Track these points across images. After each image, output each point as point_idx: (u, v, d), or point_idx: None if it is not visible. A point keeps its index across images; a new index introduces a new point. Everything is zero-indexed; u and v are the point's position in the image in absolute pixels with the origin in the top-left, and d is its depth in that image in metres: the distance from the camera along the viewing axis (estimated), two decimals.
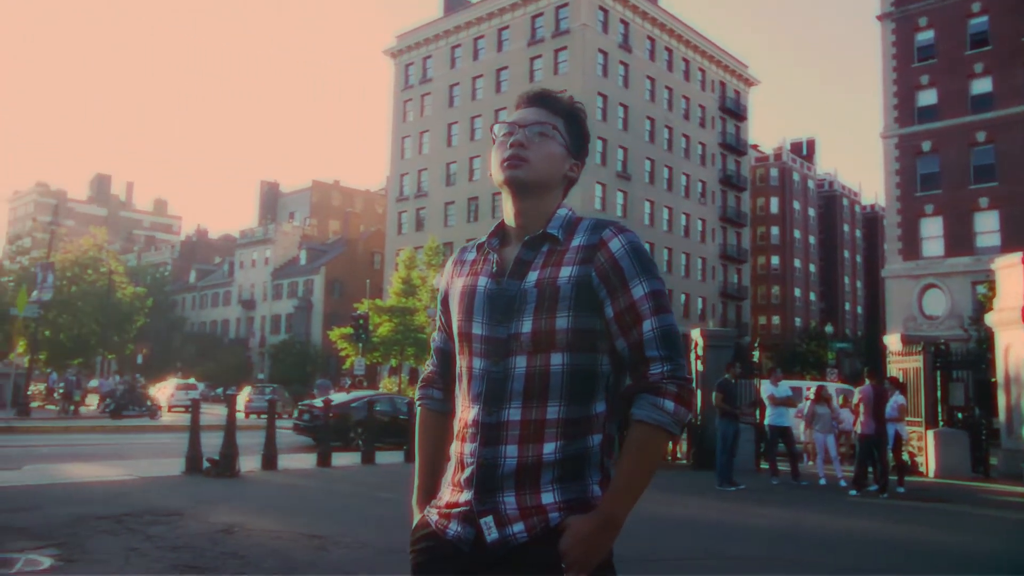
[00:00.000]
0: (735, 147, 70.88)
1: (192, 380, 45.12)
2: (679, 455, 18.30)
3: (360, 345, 36.37)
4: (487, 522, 1.62)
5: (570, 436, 1.64)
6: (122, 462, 13.74)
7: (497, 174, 1.80)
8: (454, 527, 1.67)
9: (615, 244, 1.70)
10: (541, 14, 58.63)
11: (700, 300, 65.84)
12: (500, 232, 1.84)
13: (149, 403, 32.14)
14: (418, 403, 1.99)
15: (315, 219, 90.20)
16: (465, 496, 1.67)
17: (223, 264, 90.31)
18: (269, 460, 12.89)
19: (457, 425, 1.76)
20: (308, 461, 14.34)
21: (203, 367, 66.17)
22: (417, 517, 1.80)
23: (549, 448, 1.63)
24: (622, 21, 59.54)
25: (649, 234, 60.24)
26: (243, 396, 38.33)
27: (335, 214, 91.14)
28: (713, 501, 11.37)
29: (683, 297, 63.71)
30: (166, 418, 32.58)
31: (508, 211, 1.83)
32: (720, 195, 69.18)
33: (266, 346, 73.65)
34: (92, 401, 38.91)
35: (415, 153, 65.82)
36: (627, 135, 59.14)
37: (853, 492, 12.39)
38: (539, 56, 58.38)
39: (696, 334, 17.38)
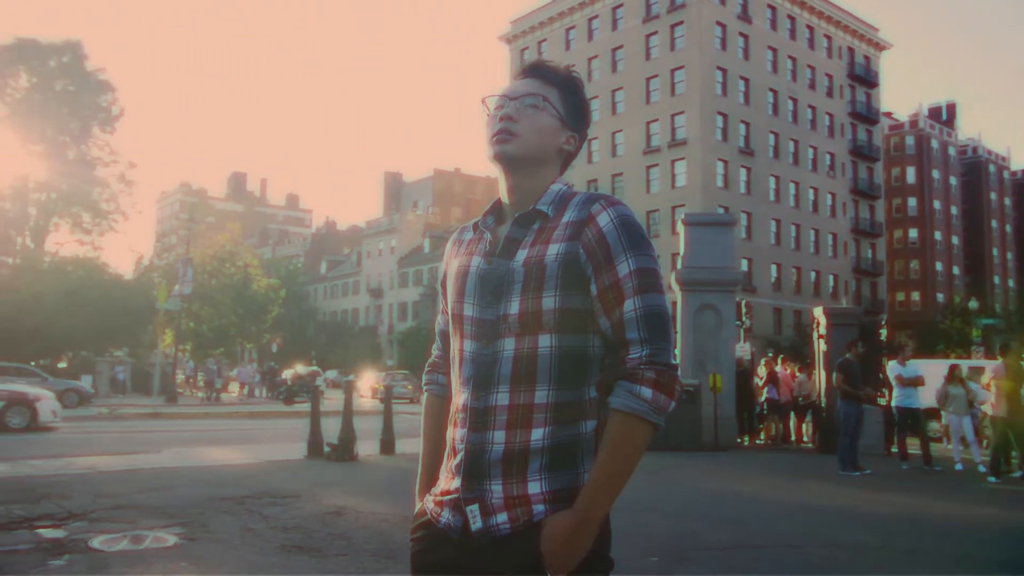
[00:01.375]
0: (866, 116, 67.46)
1: (315, 367, 46.96)
2: (804, 438, 17.71)
3: None
4: (472, 510, 1.58)
5: (560, 422, 1.58)
6: (252, 446, 14.48)
7: (487, 149, 1.73)
8: (445, 515, 1.64)
9: (603, 218, 1.61)
10: None
11: (831, 277, 63.23)
12: (496, 210, 1.78)
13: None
14: (424, 388, 1.96)
15: (438, 207, 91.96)
16: (456, 483, 1.63)
17: (351, 254, 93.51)
18: (387, 444, 13.26)
19: (451, 410, 1.73)
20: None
21: (335, 355, 68.80)
22: (418, 505, 1.78)
23: (537, 434, 1.57)
24: None
25: (775, 210, 58.28)
26: (372, 382, 39.85)
27: (457, 201, 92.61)
28: (834, 486, 10.92)
29: (813, 275, 61.37)
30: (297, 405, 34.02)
31: (502, 187, 1.77)
32: (851, 167, 66.07)
33: (394, 333, 75.81)
34: (234, 388, 41.19)
35: None
36: (749, 109, 57.31)
37: (992, 479, 11.63)
38: (654, 33, 57.31)
39: (818, 312, 16.72)
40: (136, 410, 24.45)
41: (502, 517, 1.56)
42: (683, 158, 55.00)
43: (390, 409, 13.73)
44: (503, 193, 1.77)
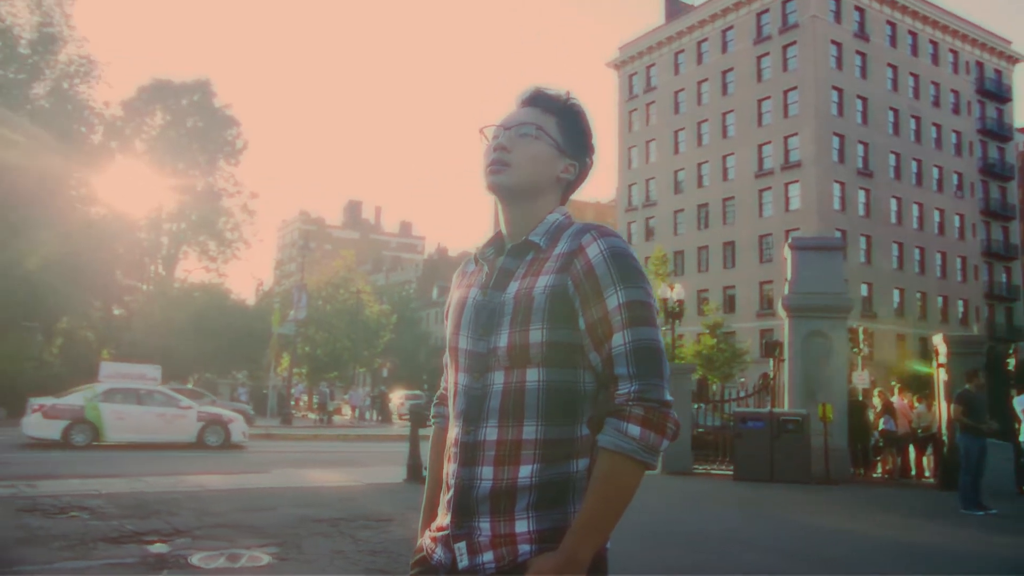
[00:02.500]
0: (997, 132, 63.92)
1: (417, 391, 47.77)
2: (925, 472, 16.76)
3: None
4: (460, 548, 1.56)
5: (549, 459, 1.54)
6: (355, 469, 14.82)
7: (483, 179, 1.71)
8: (438, 552, 1.62)
9: (593, 250, 1.57)
10: (767, 10, 56.42)
11: (960, 303, 59.92)
12: (496, 241, 1.76)
13: None
14: (432, 420, 1.96)
15: None
16: (447, 520, 1.62)
17: None
18: None
19: (447, 444, 1.71)
20: None
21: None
22: (419, 540, 1.77)
23: (525, 471, 1.53)
24: (857, 8, 55.87)
25: (897, 233, 55.83)
26: None
27: None
28: (952, 527, 10.27)
29: (939, 300, 58.34)
30: (397, 427, 34.62)
31: (500, 218, 1.75)
32: (980, 186, 62.65)
33: None
34: (347, 412, 42.36)
35: (642, 162, 65.61)
36: (867, 129, 55.29)
37: None
38: (766, 54, 56.20)
39: (938, 340, 15.86)
40: (252, 430, 25.42)
41: (488, 556, 1.53)
42: (797, 180, 53.48)
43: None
44: (502, 224, 1.75)
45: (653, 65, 65.17)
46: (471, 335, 1.65)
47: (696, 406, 18.55)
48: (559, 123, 1.73)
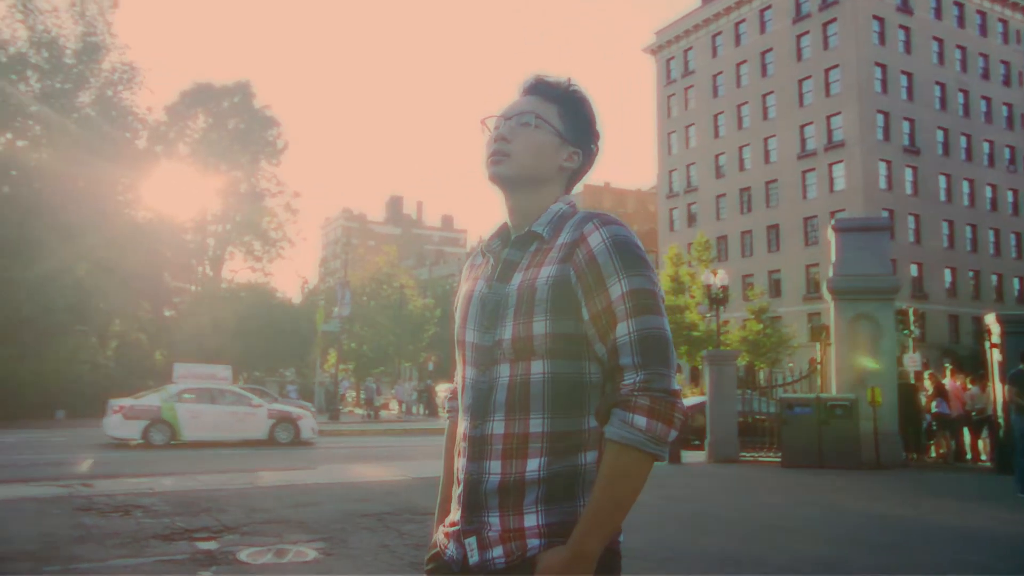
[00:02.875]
0: None
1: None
2: (981, 456, 16.39)
3: None
4: (470, 543, 1.55)
5: (557, 452, 1.52)
6: (401, 463, 14.93)
7: (484, 170, 1.70)
8: (451, 547, 1.61)
9: (595, 238, 1.54)
10: None
11: (1016, 281, 58.35)
12: (502, 232, 1.75)
13: None
14: (446, 415, 1.94)
15: None
16: (457, 515, 1.61)
17: None
18: None
19: (457, 438, 1.71)
20: None
21: None
22: (434, 535, 1.76)
23: (533, 465, 1.51)
24: None
25: (946, 211, 54.55)
26: None
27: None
28: (1007, 511, 10.01)
29: (994, 279, 56.90)
30: (443, 421, 34.79)
31: (504, 209, 1.73)
32: None
33: None
34: (394, 406, 42.70)
35: (682, 148, 64.99)
36: (913, 105, 54.03)
37: None
38: (806, 32, 55.19)
39: (990, 319, 15.46)
40: None
41: (498, 551, 1.52)
42: (841, 160, 52.49)
43: None
44: (506, 215, 1.74)
45: (691, 49, 64.42)
46: (477, 328, 1.64)
47: (742, 392, 18.37)
48: (561, 111, 1.71)
